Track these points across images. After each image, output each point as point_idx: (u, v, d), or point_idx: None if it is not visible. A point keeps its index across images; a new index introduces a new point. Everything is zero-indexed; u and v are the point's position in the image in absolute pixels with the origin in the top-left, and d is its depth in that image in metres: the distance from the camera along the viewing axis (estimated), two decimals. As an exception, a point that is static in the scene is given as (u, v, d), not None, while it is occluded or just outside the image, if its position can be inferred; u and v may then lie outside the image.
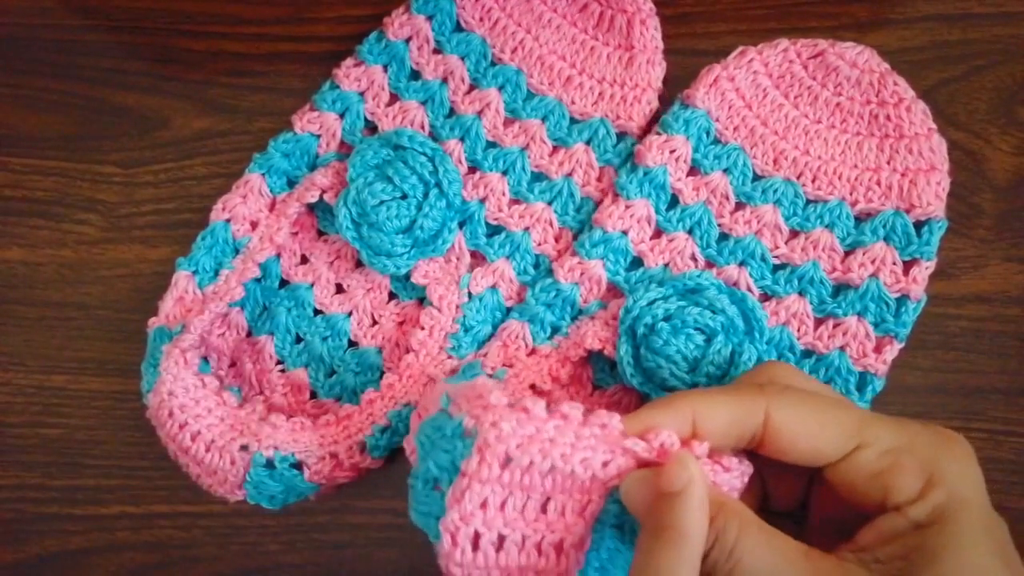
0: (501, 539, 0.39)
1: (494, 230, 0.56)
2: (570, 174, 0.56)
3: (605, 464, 0.38)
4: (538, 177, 0.57)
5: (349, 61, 0.59)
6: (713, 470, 0.39)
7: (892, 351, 0.51)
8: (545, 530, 0.39)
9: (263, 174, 0.56)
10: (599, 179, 0.56)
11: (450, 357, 0.53)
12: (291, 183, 0.57)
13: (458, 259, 0.55)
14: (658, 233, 0.54)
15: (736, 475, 0.40)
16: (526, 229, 0.55)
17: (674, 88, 0.57)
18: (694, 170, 0.55)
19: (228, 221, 0.55)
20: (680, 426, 0.39)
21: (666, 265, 0.54)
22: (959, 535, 0.37)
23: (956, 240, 0.56)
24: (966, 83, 0.59)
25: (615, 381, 0.54)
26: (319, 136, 0.58)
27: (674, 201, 0.55)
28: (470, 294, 0.55)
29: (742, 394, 0.40)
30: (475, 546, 0.38)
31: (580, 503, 0.39)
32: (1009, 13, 0.60)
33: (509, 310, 0.55)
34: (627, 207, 0.54)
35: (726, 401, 0.40)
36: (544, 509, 0.39)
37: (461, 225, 0.56)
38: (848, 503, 0.40)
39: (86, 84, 0.63)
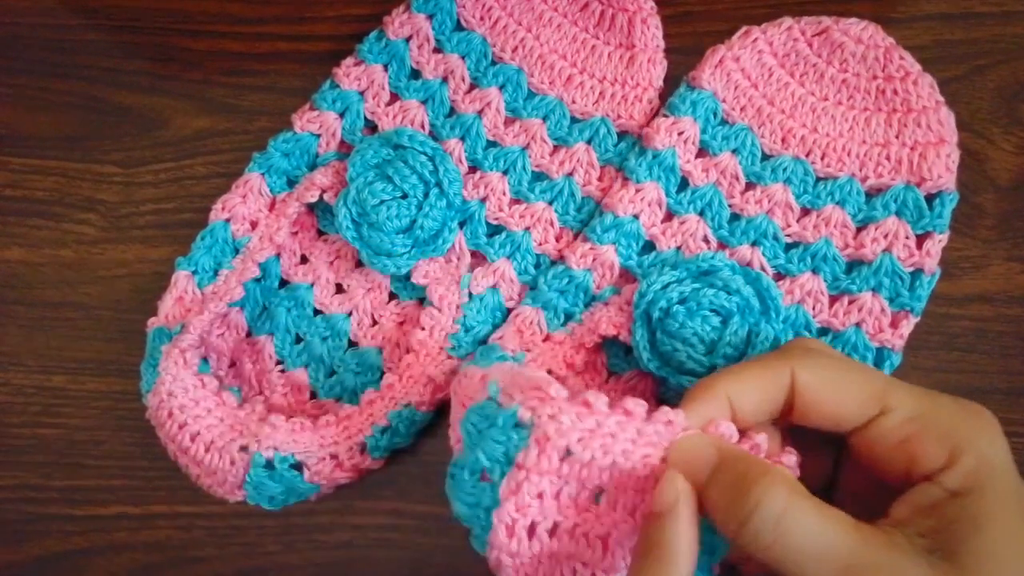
0: (555, 526, 0.39)
1: (495, 230, 0.56)
2: (571, 173, 0.56)
3: (664, 461, 0.37)
4: (539, 176, 0.57)
5: (349, 60, 0.59)
6: None
7: (908, 325, 0.51)
8: (594, 521, 0.39)
9: (263, 174, 0.56)
10: (600, 178, 0.56)
11: (450, 357, 0.53)
12: (291, 183, 0.57)
13: (458, 259, 0.55)
14: (669, 216, 0.54)
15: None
16: (527, 229, 0.55)
17: (675, 88, 0.56)
18: (703, 151, 0.55)
19: (228, 221, 0.55)
20: (721, 412, 0.39)
21: (678, 248, 0.54)
22: (999, 501, 0.36)
23: (958, 240, 0.56)
24: (968, 82, 0.59)
25: (630, 367, 0.54)
26: (319, 135, 0.58)
27: (684, 183, 0.55)
28: (470, 294, 0.54)
29: (768, 364, 0.40)
30: (530, 535, 0.38)
31: (632, 502, 0.39)
32: (1011, 12, 0.60)
33: (510, 311, 0.55)
34: (637, 191, 0.54)
35: (755, 375, 0.40)
36: (596, 500, 0.39)
37: (461, 225, 0.56)
38: (874, 473, 0.40)
39: (86, 84, 0.63)
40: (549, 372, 0.52)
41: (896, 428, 0.39)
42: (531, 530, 0.38)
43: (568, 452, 0.37)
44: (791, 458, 0.40)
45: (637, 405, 0.38)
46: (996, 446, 0.38)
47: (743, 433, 0.39)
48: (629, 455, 0.37)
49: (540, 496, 0.38)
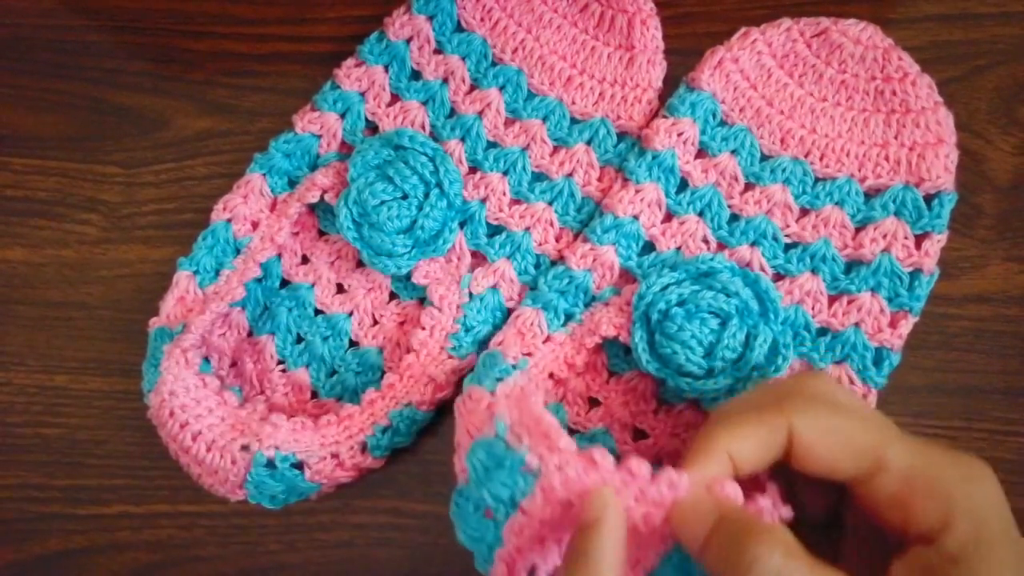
0: (555, 570, 0.39)
1: (495, 230, 0.56)
2: (571, 174, 0.56)
3: (667, 520, 0.38)
4: (539, 177, 0.57)
5: (350, 61, 0.59)
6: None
7: (907, 325, 0.51)
8: None
9: (264, 174, 0.56)
10: (600, 179, 0.56)
11: (451, 357, 0.53)
12: (292, 183, 0.57)
13: (459, 259, 0.55)
14: (669, 217, 0.54)
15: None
16: (527, 229, 0.55)
17: (674, 89, 0.56)
18: (702, 152, 0.55)
19: (229, 221, 0.55)
20: (722, 469, 0.39)
21: (678, 248, 0.54)
22: (996, 566, 0.36)
23: (957, 240, 0.56)
24: (967, 83, 0.59)
25: (630, 367, 0.54)
26: (320, 136, 0.58)
27: (683, 184, 0.55)
28: (471, 294, 0.54)
29: (766, 418, 0.40)
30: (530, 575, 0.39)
31: (635, 556, 0.39)
32: (1010, 13, 0.60)
33: (510, 311, 0.55)
34: (637, 191, 0.54)
35: (753, 431, 0.40)
36: None
37: (462, 225, 0.56)
38: (874, 522, 0.40)
39: (87, 84, 0.63)
40: (552, 375, 0.52)
41: (890, 486, 0.38)
42: (531, 572, 0.39)
43: (571, 504, 0.37)
44: (787, 511, 0.40)
45: (641, 466, 0.38)
46: (993, 506, 0.38)
47: (748, 495, 0.39)
48: (632, 513, 0.37)
49: (542, 541, 0.38)
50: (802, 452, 0.39)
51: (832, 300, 0.52)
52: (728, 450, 0.39)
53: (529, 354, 0.52)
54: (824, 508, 0.43)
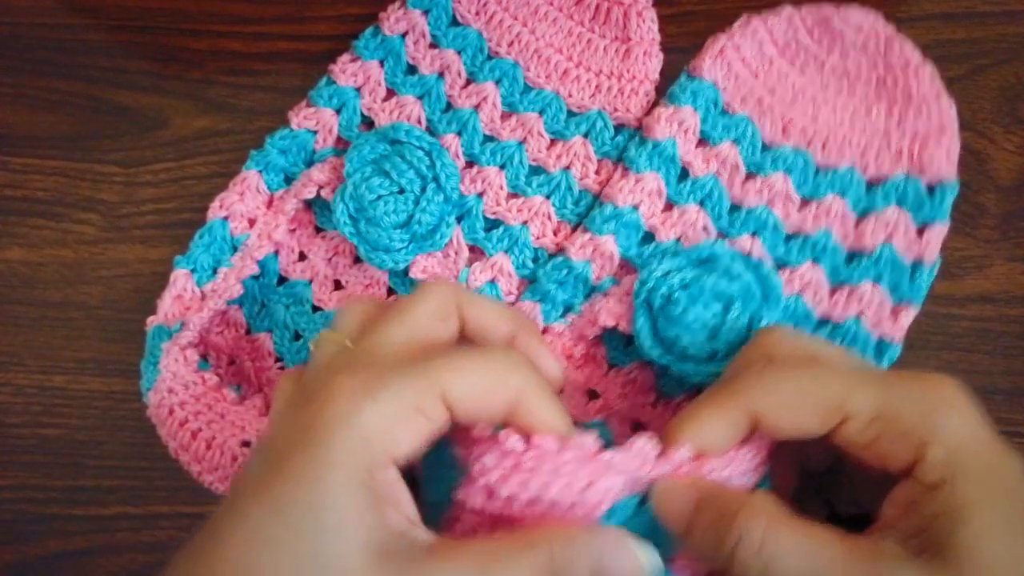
0: None
1: (492, 224, 0.56)
2: (568, 167, 0.56)
3: (587, 487, 0.37)
4: (536, 170, 0.57)
5: (345, 56, 0.59)
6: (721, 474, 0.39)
7: (908, 317, 0.51)
8: None
9: (260, 171, 0.56)
10: (597, 172, 0.56)
11: (450, 354, 0.53)
12: (288, 180, 0.57)
13: (456, 254, 0.55)
14: (669, 206, 0.54)
15: (743, 466, 0.40)
16: (524, 223, 0.55)
17: (670, 85, 0.56)
18: (703, 141, 0.55)
19: (226, 219, 0.55)
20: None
21: (678, 238, 0.53)
22: (978, 486, 0.35)
23: (960, 240, 0.56)
24: (970, 82, 0.59)
25: (630, 359, 0.54)
26: (316, 132, 0.57)
27: (684, 173, 0.55)
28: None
29: (722, 408, 0.40)
30: None
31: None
32: (1013, 12, 0.60)
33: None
34: (637, 181, 0.53)
35: (711, 423, 0.39)
36: None
37: (459, 219, 0.56)
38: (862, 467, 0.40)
39: (86, 83, 0.63)
40: None
41: (859, 434, 0.38)
42: None
43: (492, 491, 0.37)
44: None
45: (547, 440, 0.37)
46: (965, 427, 0.37)
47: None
48: (548, 487, 0.37)
49: (474, 532, 0.39)
50: (768, 425, 0.39)
51: (833, 291, 0.52)
52: (693, 443, 0.39)
53: None
54: (822, 454, 0.43)
